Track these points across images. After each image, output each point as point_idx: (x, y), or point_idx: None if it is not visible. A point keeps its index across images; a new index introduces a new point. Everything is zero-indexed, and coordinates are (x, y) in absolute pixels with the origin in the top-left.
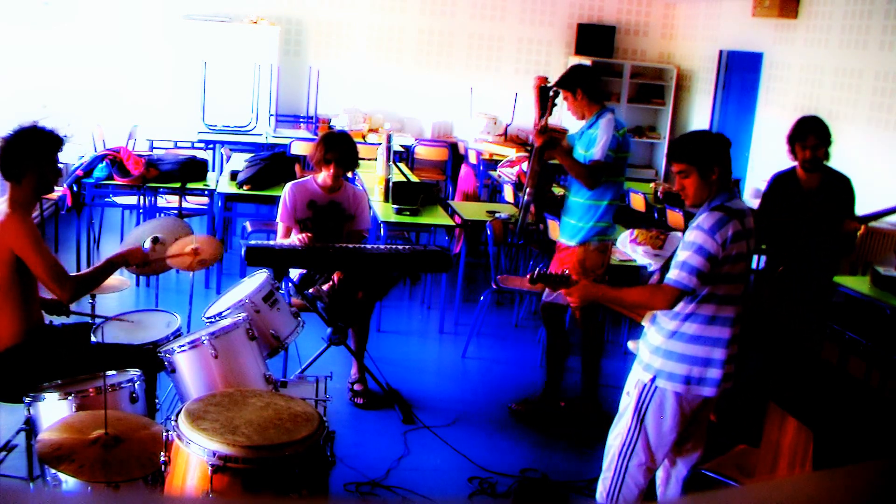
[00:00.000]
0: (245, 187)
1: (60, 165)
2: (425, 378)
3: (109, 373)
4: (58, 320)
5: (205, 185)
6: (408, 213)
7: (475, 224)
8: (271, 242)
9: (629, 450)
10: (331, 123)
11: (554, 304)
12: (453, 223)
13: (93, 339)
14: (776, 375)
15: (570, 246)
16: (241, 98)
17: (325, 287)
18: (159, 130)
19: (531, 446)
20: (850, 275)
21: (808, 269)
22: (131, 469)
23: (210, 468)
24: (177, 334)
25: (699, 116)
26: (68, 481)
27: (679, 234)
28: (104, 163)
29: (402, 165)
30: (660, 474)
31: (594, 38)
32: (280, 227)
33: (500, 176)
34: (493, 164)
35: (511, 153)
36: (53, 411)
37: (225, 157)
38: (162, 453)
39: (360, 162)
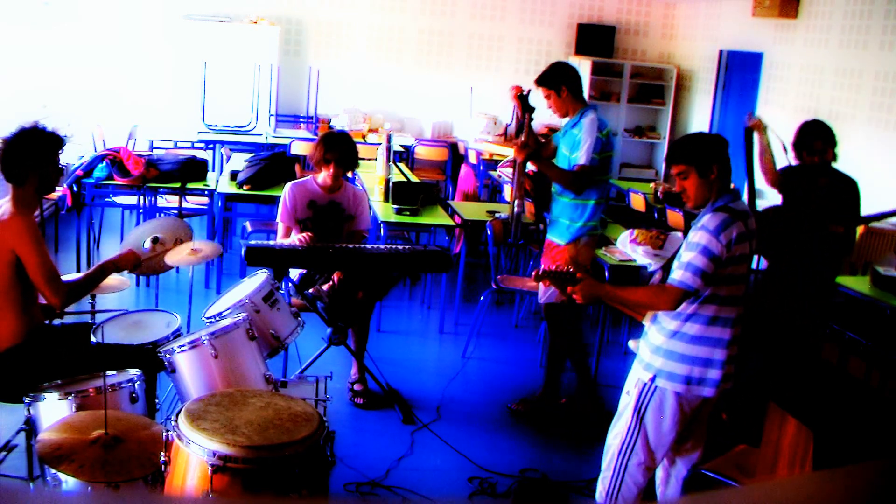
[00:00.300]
0: (245, 187)
1: (61, 166)
2: (425, 378)
3: (109, 373)
4: (57, 320)
5: (205, 185)
6: (408, 213)
7: (475, 224)
8: (271, 242)
9: (629, 449)
10: (331, 123)
11: (554, 303)
12: (453, 223)
13: (93, 339)
14: (776, 375)
15: (560, 244)
16: (241, 98)
17: (325, 287)
18: (159, 130)
19: (531, 446)
20: (850, 275)
21: (809, 265)
22: (131, 469)
23: (210, 468)
24: (177, 334)
25: (699, 116)
26: (68, 481)
27: (679, 234)
28: (104, 163)
29: (402, 165)
30: (659, 474)
31: (594, 38)
32: (280, 228)
33: (500, 176)
34: (493, 164)
35: (511, 153)
36: (53, 411)
37: (225, 157)
38: (162, 453)
39: (360, 162)
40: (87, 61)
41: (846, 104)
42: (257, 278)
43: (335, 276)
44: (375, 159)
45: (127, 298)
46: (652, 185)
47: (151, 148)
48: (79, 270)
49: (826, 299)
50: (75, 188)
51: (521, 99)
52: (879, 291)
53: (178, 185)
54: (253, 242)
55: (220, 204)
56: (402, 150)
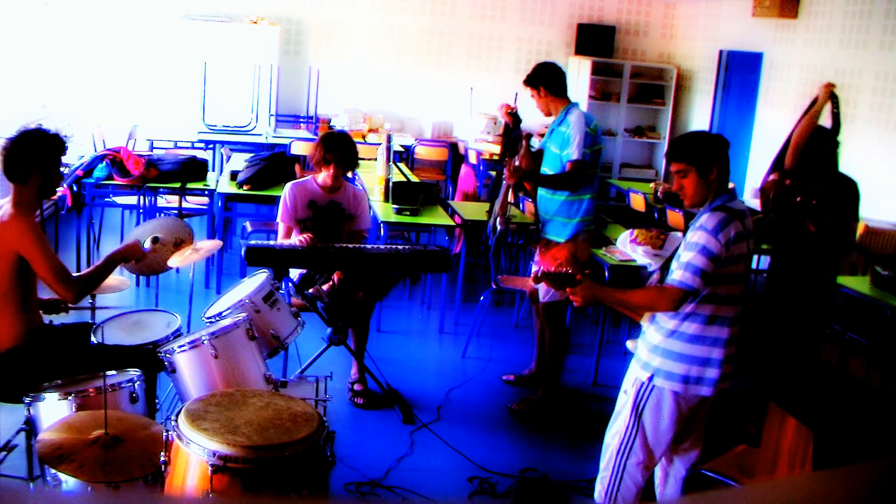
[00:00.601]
0: (245, 187)
1: (62, 169)
2: (425, 378)
3: (109, 373)
4: (58, 320)
5: (205, 185)
6: (408, 213)
7: (475, 224)
8: (271, 242)
9: (627, 448)
10: (331, 123)
11: (555, 302)
12: (453, 223)
13: (93, 339)
14: (776, 375)
15: (558, 242)
16: (241, 98)
17: (325, 287)
18: (159, 130)
19: (531, 446)
20: (850, 275)
21: (811, 263)
22: (131, 469)
23: (210, 468)
24: (177, 334)
25: (699, 116)
26: (68, 481)
27: (679, 234)
28: (104, 163)
29: (402, 165)
30: (658, 474)
31: (594, 38)
32: (281, 228)
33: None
34: (493, 164)
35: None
36: (53, 411)
37: (225, 157)
38: (162, 453)
39: (360, 162)
40: (87, 61)
41: (846, 104)
42: (257, 278)
43: (335, 276)
44: (375, 159)
45: (127, 298)
46: (652, 185)
47: (151, 148)
48: (79, 270)
49: (826, 299)
50: (75, 188)
51: (513, 116)
52: (879, 291)
53: (178, 185)
54: (253, 242)
55: (220, 204)
56: (402, 150)
